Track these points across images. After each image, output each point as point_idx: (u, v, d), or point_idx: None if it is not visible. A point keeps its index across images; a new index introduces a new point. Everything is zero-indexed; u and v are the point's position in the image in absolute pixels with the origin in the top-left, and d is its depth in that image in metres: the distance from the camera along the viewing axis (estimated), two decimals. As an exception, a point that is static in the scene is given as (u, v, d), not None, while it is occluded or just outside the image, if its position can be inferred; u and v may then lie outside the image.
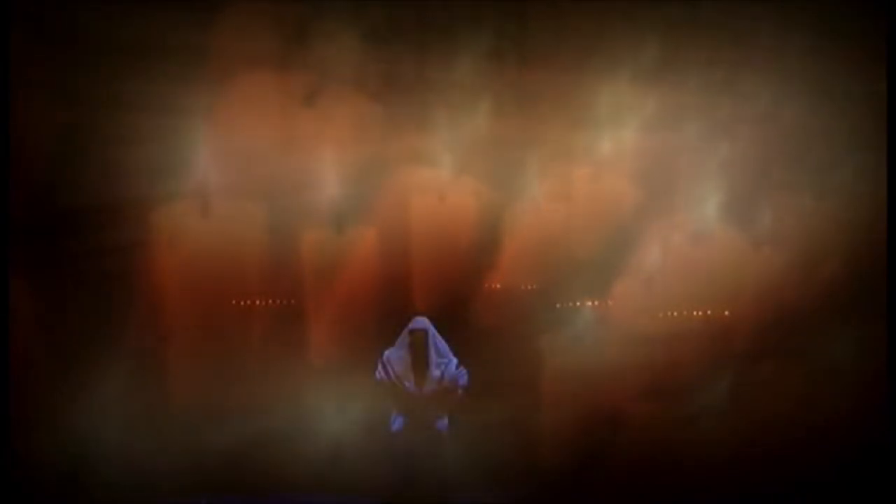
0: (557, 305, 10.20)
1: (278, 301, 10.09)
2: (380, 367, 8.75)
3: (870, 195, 10.10)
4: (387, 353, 8.78)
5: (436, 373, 8.66)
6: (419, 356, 8.65)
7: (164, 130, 9.57)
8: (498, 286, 10.19)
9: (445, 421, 8.73)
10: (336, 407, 10.22)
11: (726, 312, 10.13)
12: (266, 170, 9.87)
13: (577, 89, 10.04)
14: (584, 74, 10.02)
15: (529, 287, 10.22)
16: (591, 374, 9.84)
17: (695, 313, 10.22)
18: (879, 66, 9.95)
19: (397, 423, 8.71)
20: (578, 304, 10.19)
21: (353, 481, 9.88)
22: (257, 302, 10.03)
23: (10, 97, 9.53)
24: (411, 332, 8.71)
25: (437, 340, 8.75)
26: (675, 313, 10.20)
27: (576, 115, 10.12)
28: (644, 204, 10.15)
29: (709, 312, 10.19)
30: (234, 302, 9.92)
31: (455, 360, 8.77)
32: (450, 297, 9.96)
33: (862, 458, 9.76)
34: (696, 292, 10.11)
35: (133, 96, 9.47)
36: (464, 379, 8.75)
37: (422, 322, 8.76)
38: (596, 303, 10.19)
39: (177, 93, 9.52)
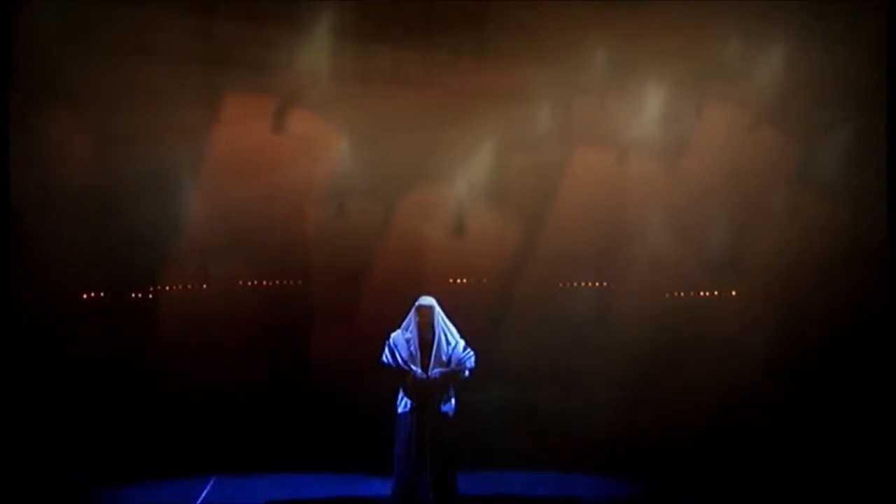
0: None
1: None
2: (386, 350, 8.65)
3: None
4: (393, 335, 8.68)
5: (443, 354, 8.58)
6: (426, 335, 8.56)
7: None
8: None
9: (452, 403, 8.64)
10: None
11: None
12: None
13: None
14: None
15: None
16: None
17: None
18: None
19: (404, 406, 8.60)
20: None
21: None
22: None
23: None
24: (418, 308, 8.63)
25: (444, 320, 8.66)
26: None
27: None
28: None
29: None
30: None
31: (463, 342, 8.69)
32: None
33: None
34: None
35: None
36: (471, 361, 8.65)
37: (428, 299, 8.68)
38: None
39: None
